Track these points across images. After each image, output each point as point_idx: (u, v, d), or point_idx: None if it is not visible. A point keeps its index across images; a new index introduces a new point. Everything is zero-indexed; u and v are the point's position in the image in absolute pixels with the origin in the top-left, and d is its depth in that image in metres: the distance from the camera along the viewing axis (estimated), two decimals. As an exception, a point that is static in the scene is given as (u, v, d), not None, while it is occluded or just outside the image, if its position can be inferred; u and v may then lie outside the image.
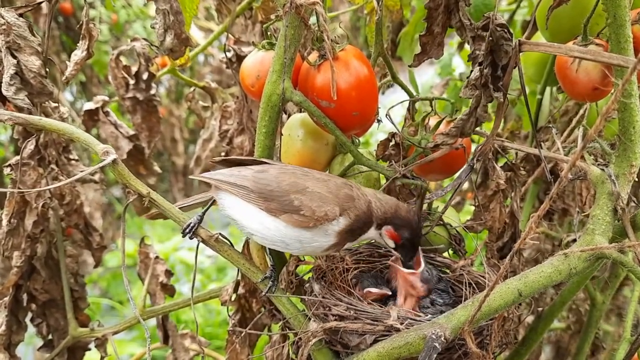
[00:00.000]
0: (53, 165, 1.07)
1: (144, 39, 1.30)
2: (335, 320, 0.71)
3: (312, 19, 0.75)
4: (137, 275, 1.25)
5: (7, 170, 1.04)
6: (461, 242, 0.91)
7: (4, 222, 1.05)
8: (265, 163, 0.77)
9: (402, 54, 1.27)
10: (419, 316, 0.73)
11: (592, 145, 0.78)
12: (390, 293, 0.79)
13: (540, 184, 1.26)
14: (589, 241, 0.68)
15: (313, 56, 0.81)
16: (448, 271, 0.88)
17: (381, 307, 0.75)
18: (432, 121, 0.90)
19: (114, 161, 0.74)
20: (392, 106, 0.91)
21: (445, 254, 0.92)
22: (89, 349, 1.20)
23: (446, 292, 0.82)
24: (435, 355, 0.61)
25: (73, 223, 1.15)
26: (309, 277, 0.84)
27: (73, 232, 1.19)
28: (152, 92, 1.31)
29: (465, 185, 1.69)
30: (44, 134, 1.05)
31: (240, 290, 0.99)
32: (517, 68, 0.74)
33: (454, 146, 0.83)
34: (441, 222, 0.90)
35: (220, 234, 0.78)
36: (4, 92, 0.93)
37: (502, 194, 0.87)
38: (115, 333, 1.14)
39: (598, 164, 0.74)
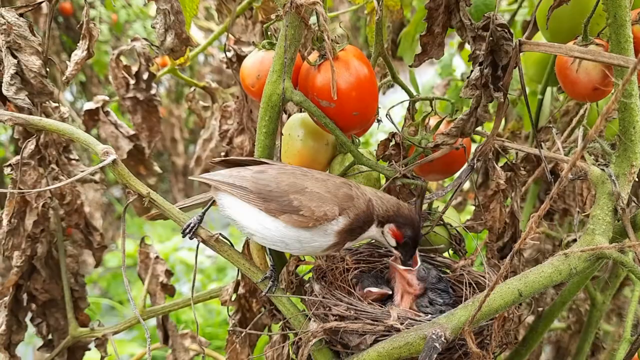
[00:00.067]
0: (53, 165, 1.07)
1: (144, 38, 1.30)
2: (336, 320, 0.71)
3: (312, 19, 0.75)
4: (137, 275, 1.25)
5: (7, 170, 1.04)
6: (461, 242, 0.91)
7: (5, 222, 1.05)
8: (265, 163, 0.77)
9: (403, 54, 1.27)
10: (419, 316, 0.73)
11: (592, 145, 0.78)
12: (390, 292, 0.79)
13: (541, 184, 1.26)
14: (589, 241, 0.68)
15: (313, 56, 0.81)
16: (448, 271, 0.88)
17: (381, 307, 0.75)
18: (433, 121, 0.90)
19: (114, 161, 0.74)
20: (392, 106, 0.91)
21: (446, 254, 0.92)
22: (89, 349, 1.20)
23: (446, 292, 0.82)
24: (435, 355, 0.61)
25: (73, 223, 1.15)
26: (309, 277, 0.84)
27: (73, 232, 1.19)
28: (153, 92, 1.31)
29: (467, 186, 1.69)
30: (44, 134, 1.05)
31: (241, 290, 0.99)
32: (517, 68, 0.74)
33: (454, 146, 0.83)
34: (441, 222, 0.90)
35: (220, 234, 0.78)
36: (5, 92, 0.93)
37: (503, 194, 0.87)
38: (115, 333, 1.14)
39: (598, 164, 0.73)
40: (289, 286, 0.83)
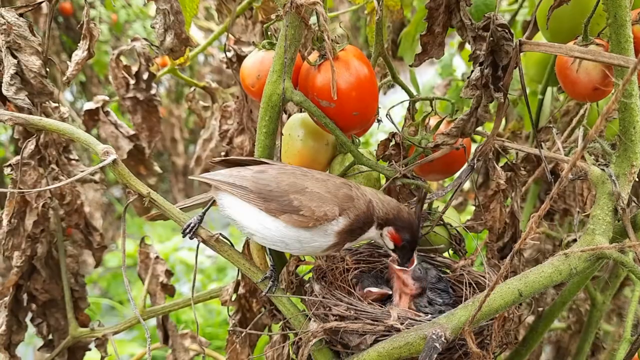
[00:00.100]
0: (53, 165, 1.07)
1: (144, 38, 1.30)
2: (336, 320, 0.71)
3: (313, 19, 0.75)
4: (138, 275, 1.25)
5: (7, 170, 1.04)
6: (461, 242, 0.91)
7: (5, 222, 1.05)
8: (265, 163, 0.77)
9: (404, 54, 1.27)
10: (420, 316, 0.73)
11: (592, 145, 0.78)
12: (390, 292, 0.79)
13: (541, 184, 1.26)
14: (590, 241, 0.68)
15: (313, 56, 0.81)
16: (448, 271, 0.88)
17: (381, 307, 0.75)
18: (433, 121, 0.90)
19: (114, 161, 0.74)
20: (392, 106, 0.91)
21: (446, 254, 0.92)
22: (89, 349, 1.20)
23: (446, 292, 0.82)
24: (435, 355, 0.61)
25: (73, 223, 1.15)
26: (309, 277, 0.83)
27: (73, 232, 1.19)
28: (153, 92, 1.31)
29: (468, 186, 1.69)
30: (44, 134, 1.05)
31: (241, 290, 0.99)
32: (517, 68, 0.74)
33: (454, 146, 0.83)
34: (441, 222, 0.90)
35: (220, 234, 0.78)
36: (5, 92, 0.93)
37: (503, 194, 0.87)
38: (115, 333, 1.14)
39: (599, 164, 0.73)
40: (289, 286, 0.83)
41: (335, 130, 0.79)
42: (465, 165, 0.86)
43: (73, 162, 1.12)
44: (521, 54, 0.73)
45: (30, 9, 0.94)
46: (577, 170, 0.76)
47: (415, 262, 0.77)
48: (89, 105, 1.33)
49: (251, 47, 1.04)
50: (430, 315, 0.73)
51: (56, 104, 1.04)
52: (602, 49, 0.77)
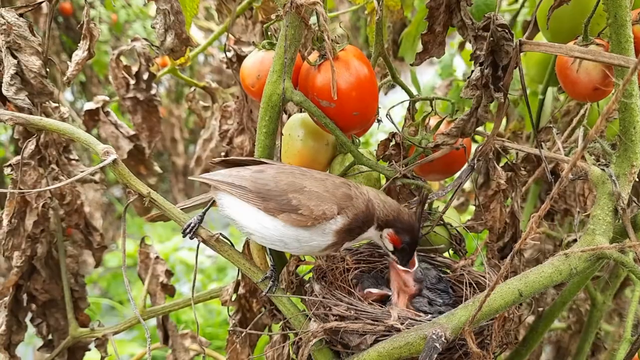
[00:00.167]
0: (53, 165, 1.07)
1: (144, 39, 1.30)
2: (336, 320, 0.71)
3: (313, 19, 0.75)
4: (138, 275, 1.25)
5: (7, 170, 1.04)
6: (462, 242, 0.91)
7: (5, 222, 1.04)
8: (265, 163, 0.77)
9: (404, 54, 1.27)
10: (420, 316, 0.73)
11: (592, 145, 0.77)
12: (390, 293, 0.79)
13: (542, 184, 1.26)
14: (590, 241, 0.68)
15: (313, 56, 0.81)
16: (448, 271, 0.88)
17: (382, 307, 0.75)
18: (433, 121, 0.90)
19: (114, 161, 0.74)
20: (393, 106, 0.91)
21: (446, 254, 0.92)
22: (89, 349, 1.20)
23: (446, 292, 0.82)
24: (435, 356, 0.61)
25: (73, 223, 1.15)
26: (309, 277, 0.83)
27: (73, 232, 1.19)
28: (153, 92, 1.31)
29: (469, 187, 1.69)
30: (44, 134, 1.05)
31: (241, 290, 0.99)
32: (518, 68, 0.74)
33: (454, 146, 0.83)
34: (441, 222, 0.90)
35: (220, 234, 0.78)
36: (5, 92, 0.93)
37: (503, 194, 0.87)
38: (115, 333, 1.14)
39: (599, 164, 0.73)
40: (289, 286, 0.83)
41: (335, 130, 0.79)
42: (466, 165, 0.86)
43: (73, 162, 1.12)
44: (521, 54, 0.73)
45: (30, 9, 0.94)
46: (578, 171, 0.76)
47: (417, 264, 0.77)
48: (89, 106, 1.33)
49: (251, 47, 1.04)
50: (430, 315, 0.73)
51: (56, 104, 1.04)
52: (603, 49, 0.77)
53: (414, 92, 0.98)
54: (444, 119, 0.90)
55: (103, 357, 1.17)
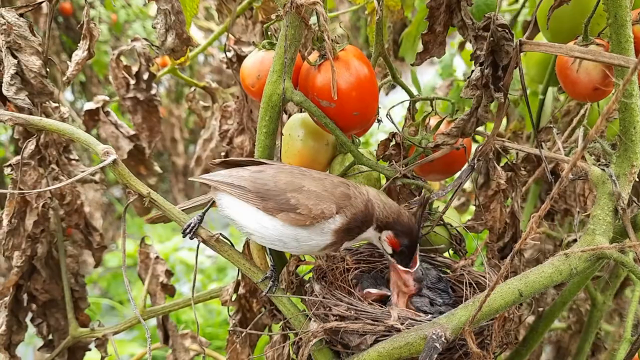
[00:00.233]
0: (53, 166, 1.07)
1: (145, 39, 1.30)
2: (336, 320, 0.71)
3: (313, 19, 0.75)
4: (138, 275, 1.25)
5: (7, 170, 1.04)
6: (462, 242, 0.91)
7: (5, 222, 1.05)
8: (264, 164, 0.77)
9: (405, 54, 1.27)
10: (420, 316, 0.73)
11: (593, 145, 0.77)
12: (389, 294, 0.79)
13: (542, 184, 1.26)
14: (590, 241, 0.68)
15: (313, 56, 0.81)
16: (448, 271, 0.88)
17: (382, 307, 0.75)
18: (433, 121, 0.90)
19: (114, 161, 0.74)
20: (393, 106, 0.91)
21: (446, 254, 0.92)
22: (89, 349, 1.20)
23: (446, 292, 0.82)
24: (435, 356, 0.61)
25: (73, 223, 1.15)
26: (309, 277, 0.83)
27: (73, 232, 1.19)
28: (153, 92, 1.32)
29: (470, 187, 1.69)
30: (44, 134, 1.05)
31: (241, 291, 0.99)
32: (518, 68, 0.74)
33: (454, 146, 0.83)
34: (442, 222, 0.90)
35: (220, 234, 0.78)
36: (5, 92, 0.93)
37: (503, 194, 0.87)
38: (115, 333, 1.14)
39: (599, 164, 0.73)
40: (289, 286, 0.83)
41: (336, 130, 0.79)
42: (466, 165, 0.86)
43: (73, 162, 1.12)
44: (521, 54, 0.73)
45: (30, 9, 0.94)
46: (578, 171, 0.76)
47: (418, 264, 0.77)
48: (89, 106, 1.33)
49: (251, 47, 1.04)
50: (430, 315, 0.72)
51: (56, 104, 1.04)
52: (603, 49, 0.77)
53: (415, 92, 0.98)
54: (444, 119, 0.90)
55: (103, 357, 1.17)
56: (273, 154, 0.82)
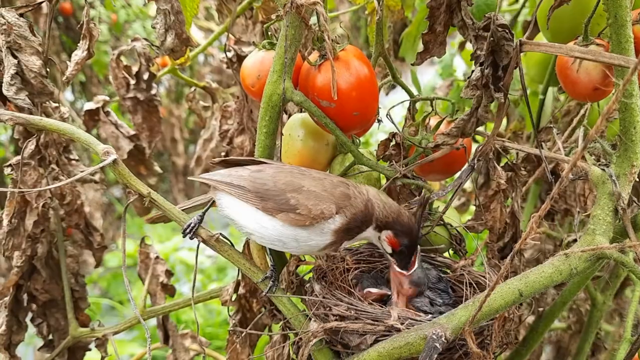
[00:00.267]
0: (53, 165, 1.07)
1: (145, 39, 1.30)
2: (336, 320, 0.71)
3: (313, 19, 0.75)
4: (138, 275, 1.25)
5: (7, 170, 1.04)
6: (462, 242, 0.91)
7: (5, 222, 1.05)
8: (264, 163, 0.77)
9: (405, 54, 1.27)
10: (420, 316, 0.73)
11: (593, 145, 0.77)
12: (389, 293, 0.79)
13: (542, 184, 1.26)
14: (590, 241, 0.68)
15: (313, 56, 0.81)
16: (448, 271, 0.88)
17: (382, 307, 0.75)
18: (433, 121, 0.90)
19: (115, 161, 0.74)
20: (393, 106, 0.91)
21: (446, 254, 0.92)
22: (90, 349, 1.20)
23: (446, 293, 0.82)
24: (435, 356, 0.61)
25: (73, 223, 1.15)
26: (309, 277, 0.83)
27: (73, 232, 1.19)
28: (153, 92, 1.32)
29: (470, 187, 1.69)
30: (44, 134, 1.05)
31: (241, 291, 0.99)
32: (518, 68, 0.74)
33: (454, 146, 0.83)
34: (442, 222, 0.90)
35: (220, 234, 0.78)
36: (5, 92, 0.93)
37: (503, 194, 0.87)
38: (115, 333, 1.14)
39: (599, 164, 0.73)
40: (289, 286, 0.83)
41: (336, 130, 0.79)
42: (466, 165, 0.86)
43: (73, 162, 1.12)
44: (522, 54, 0.73)
45: (30, 9, 0.94)
46: (578, 171, 0.76)
47: (416, 266, 0.76)
48: (90, 106, 1.33)
49: (251, 47, 1.04)
50: (430, 315, 0.72)
51: (56, 104, 1.04)
52: (603, 49, 0.77)
53: (415, 92, 0.98)
54: (444, 119, 0.90)
55: (103, 357, 1.17)
56: (273, 154, 0.82)
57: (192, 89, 1.48)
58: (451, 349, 0.69)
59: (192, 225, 0.76)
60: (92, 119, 1.33)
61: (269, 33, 0.93)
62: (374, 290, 0.79)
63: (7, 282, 1.08)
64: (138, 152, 1.34)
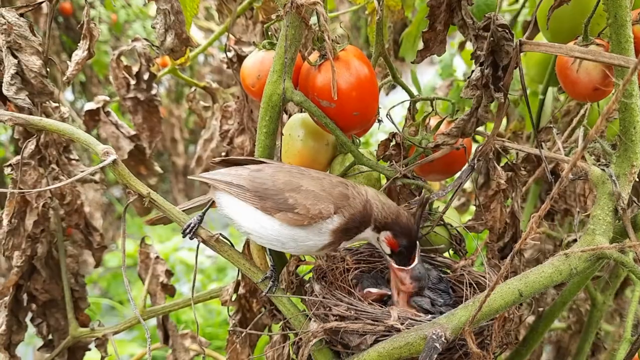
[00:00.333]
0: (53, 165, 1.07)
1: (145, 39, 1.30)
2: (336, 320, 0.71)
3: (313, 19, 0.75)
4: (138, 275, 1.25)
5: (7, 170, 1.04)
6: (462, 242, 0.91)
7: (5, 222, 1.05)
8: (264, 163, 0.77)
9: (405, 54, 1.27)
10: (420, 316, 0.73)
11: (593, 145, 0.77)
12: (389, 293, 0.79)
13: (542, 184, 1.26)
14: (590, 241, 0.68)
15: (314, 56, 0.81)
16: (448, 271, 0.88)
17: (382, 307, 0.75)
18: (433, 121, 0.90)
19: (114, 161, 0.74)
20: (393, 106, 0.91)
21: (446, 254, 0.92)
22: (89, 349, 1.20)
23: (446, 293, 0.82)
24: (435, 356, 0.61)
25: (73, 223, 1.15)
26: (309, 278, 0.83)
27: (73, 232, 1.19)
28: (153, 92, 1.32)
29: (471, 187, 1.69)
30: (44, 134, 1.05)
31: (241, 291, 0.99)
32: (518, 68, 0.74)
33: (454, 146, 0.83)
34: (442, 222, 0.90)
35: (220, 234, 0.78)
36: (5, 92, 0.93)
37: (503, 194, 0.87)
38: (115, 333, 1.14)
39: (599, 164, 0.73)
40: (289, 286, 0.83)
41: (336, 130, 0.79)
42: (466, 165, 0.86)
43: (73, 162, 1.12)
44: (521, 54, 0.73)
45: (30, 9, 0.95)
46: (578, 171, 0.76)
47: (416, 261, 0.76)
48: (90, 106, 1.33)
49: (251, 47, 1.04)
50: (430, 316, 0.72)
51: (56, 104, 1.04)
52: (603, 49, 0.77)
53: (415, 92, 0.98)
54: (444, 119, 0.90)
55: (103, 357, 1.17)
56: (273, 154, 0.82)
57: (193, 89, 1.49)
58: (451, 349, 0.69)
59: (192, 225, 0.76)
60: (92, 119, 1.33)
61: (269, 33, 0.93)
62: (374, 290, 0.79)
63: (7, 282, 1.08)
64: (138, 152, 1.34)
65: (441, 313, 0.71)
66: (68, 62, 0.99)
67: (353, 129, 0.82)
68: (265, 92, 0.77)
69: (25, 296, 1.12)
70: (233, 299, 1.00)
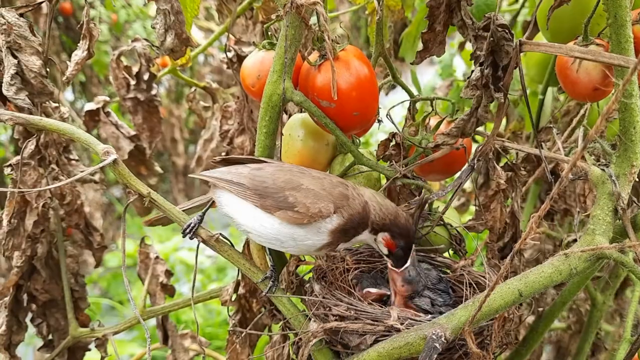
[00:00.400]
0: (53, 165, 1.07)
1: (145, 39, 1.30)
2: (336, 320, 0.71)
3: (313, 19, 0.75)
4: (137, 275, 1.25)
5: (7, 170, 1.04)
6: (462, 242, 0.91)
7: (5, 222, 1.05)
8: (265, 162, 0.77)
9: (405, 54, 1.27)
10: (420, 316, 0.73)
11: (592, 145, 0.77)
12: (389, 293, 0.79)
13: (542, 184, 1.26)
14: (590, 241, 0.68)
15: (314, 56, 0.81)
16: (448, 271, 0.88)
17: (381, 307, 0.75)
18: (433, 121, 0.90)
19: (115, 161, 0.74)
20: (393, 106, 0.91)
21: (446, 254, 0.92)
22: (89, 349, 1.20)
23: (446, 293, 0.82)
24: (435, 356, 0.61)
25: (73, 223, 1.15)
26: (309, 278, 0.83)
27: (73, 232, 1.19)
28: (153, 92, 1.32)
29: (470, 187, 1.69)
30: (44, 134, 1.05)
31: (241, 291, 0.99)
32: (518, 68, 0.74)
33: (454, 146, 0.83)
34: (442, 222, 0.90)
35: (220, 234, 0.78)
36: (5, 92, 0.93)
37: (503, 194, 0.87)
38: (115, 333, 1.14)
39: (599, 164, 0.73)
40: (289, 286, 0.83)
41: (336, 130, 0.79)
42: (466, 165, 0.86)
43: (73, 162, 1.12)
44: (521, 54, 0.73)
45: (30, 9, 0.95)
46: (578, 171, 0.76)
47: (407, 264, 0.76)
48: (90, 106, 1.34)
49: (251, 47, 1.04)
50: (430, 316, 0.72)
51: (56, 104, 1.04)
52: (603, 49, 0.77)
53: (415, 92, 0.98)
54: (444, 119, 0.90)
55: (103, 357, 1.17)
56: (273, 154, 0.82)
57: (193, 89, 1.49)
58: (451, 349, 0.69)
59: (192, 225, 0.76)
60: (92, 119, 1.33)
61: (269, 33, 0.93)
62: (373, 290, 0.79)
63: (7, 282, 1.08)
64: (138, 153, 1.34)
65: (441, 313, 0.71)
66: (68, 62, 0.99)
67: (353, 129, 0.82)
68: (265, 92, 0.77)
69: (25, 296, 1.12)
70: (233, 299, 1.00)
